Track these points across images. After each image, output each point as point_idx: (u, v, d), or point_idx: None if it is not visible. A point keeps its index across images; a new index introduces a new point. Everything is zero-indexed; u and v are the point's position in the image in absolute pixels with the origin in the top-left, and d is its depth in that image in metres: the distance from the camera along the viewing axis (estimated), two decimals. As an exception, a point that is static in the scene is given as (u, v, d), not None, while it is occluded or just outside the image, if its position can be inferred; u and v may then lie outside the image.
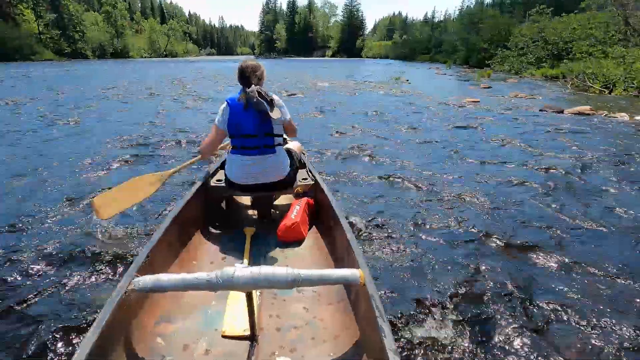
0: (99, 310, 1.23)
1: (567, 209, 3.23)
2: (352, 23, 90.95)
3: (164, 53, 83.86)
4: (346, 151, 5.26)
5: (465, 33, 34.37)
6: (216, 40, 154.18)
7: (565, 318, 1.92)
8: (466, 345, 1.72)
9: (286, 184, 2.40)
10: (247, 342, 1.38)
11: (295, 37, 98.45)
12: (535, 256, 2.52)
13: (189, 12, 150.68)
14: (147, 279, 1.21)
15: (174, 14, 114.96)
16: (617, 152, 5.10)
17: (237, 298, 1.59)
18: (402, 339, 1.74)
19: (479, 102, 10.02)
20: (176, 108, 9.17)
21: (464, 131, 6.56)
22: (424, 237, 2.78)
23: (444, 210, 3.26)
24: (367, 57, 79.01)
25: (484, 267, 2.35)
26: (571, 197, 3.54)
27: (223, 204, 2.64)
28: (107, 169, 4.37)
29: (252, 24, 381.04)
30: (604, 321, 1.89)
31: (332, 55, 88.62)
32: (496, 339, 1.76)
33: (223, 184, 2.42)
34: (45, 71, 24.03)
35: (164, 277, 1.20)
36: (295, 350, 1.37)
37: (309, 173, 2.64)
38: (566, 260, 2.44)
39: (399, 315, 1.89)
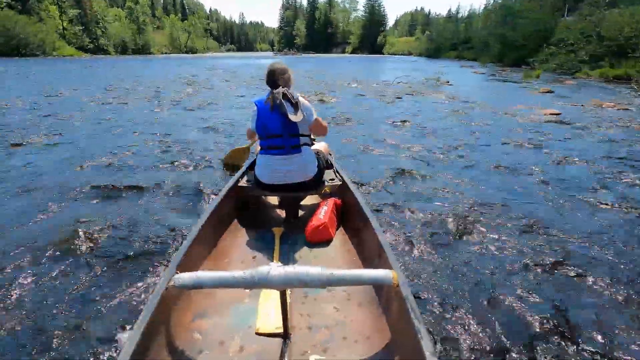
0: (137, 308, 1.46)
1: None
2: (374, 19, 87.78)
3: (185, 49, 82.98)
4: (385, 174, 4.05)
5: (500, 28, 31.39)
6: (236, 37, 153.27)
7: None
8: (507, 352, 1.62)
9: (313, 184, 2.38)
10: (280, 340, 1.38)
11: (315, 33, 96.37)
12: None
13: (210, 8, 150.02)
14: (187, 276, 1.24)
15: (195, 10, 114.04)
16: None
17: (268, 296, 1.58)
18: (437, 343, 1.65)
19: (559, 114, 7.74)
20: (171, 117, 7.27)
21: (562, 164, 4.41)
22: (465, 244, 2.56)
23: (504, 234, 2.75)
24: (388, 54, 75.93)
25: (534, 278, 2.16)
26: None
27: (253, 204, 2.59)
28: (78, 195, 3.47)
29: (272, 20, 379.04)
30: None
31: (352, 52, 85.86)
32: (541, 348, 1.64)
33: (252, 184, 2.43)
34: (62, 67, 22.75)
35: (202, 275, 1.23)
36: (327, 349, 1.36)
37: (337, 173, 2.63)
38: None
39: (433, 319, 1.80)
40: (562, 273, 2.23)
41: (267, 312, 1.50)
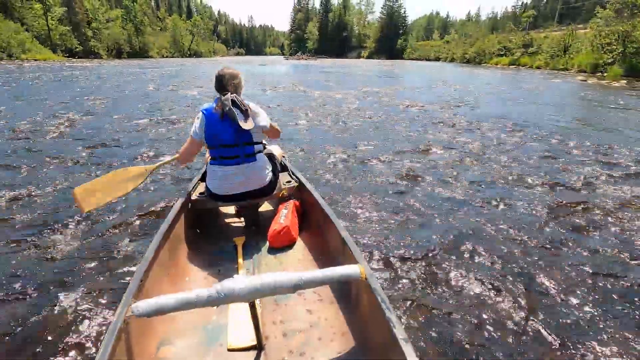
0: (94, 343, 1.18)
1: None
2: (392, 21, 76.67)
3: (189, 53, 72.33)
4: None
5: (620, 24, 20.55)
6: (245, 40, 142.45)
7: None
8: (476, 335, 1.57)
9: (270, 189, 2.22)
10: (255, 352, 1.30)
11: (328, 37, 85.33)
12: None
13: (219, 11, 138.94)
14: (146, 304, 1.09)
15: (203, 11, 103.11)
16: None
17: (238, 309, 1.48)
18: (410, 330, 1.62)
19: None
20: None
21: None
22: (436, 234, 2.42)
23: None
24: (410, 59, 64.84)
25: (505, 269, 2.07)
26: None
27: (209, 217, 2.38)
28: None
29: (282, 24, 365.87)
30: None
31: (369, 56, 74.77)
32: (506, 332, 1.59)
33: (206, 197, 2.20)
34: None
35: (163, 300, 1.09)
36: (304, 353, 1.30)
37: (292, 175, 2.48)
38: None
39: (404, 308, 1.74)
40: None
41: (238, 326, 1.40)
